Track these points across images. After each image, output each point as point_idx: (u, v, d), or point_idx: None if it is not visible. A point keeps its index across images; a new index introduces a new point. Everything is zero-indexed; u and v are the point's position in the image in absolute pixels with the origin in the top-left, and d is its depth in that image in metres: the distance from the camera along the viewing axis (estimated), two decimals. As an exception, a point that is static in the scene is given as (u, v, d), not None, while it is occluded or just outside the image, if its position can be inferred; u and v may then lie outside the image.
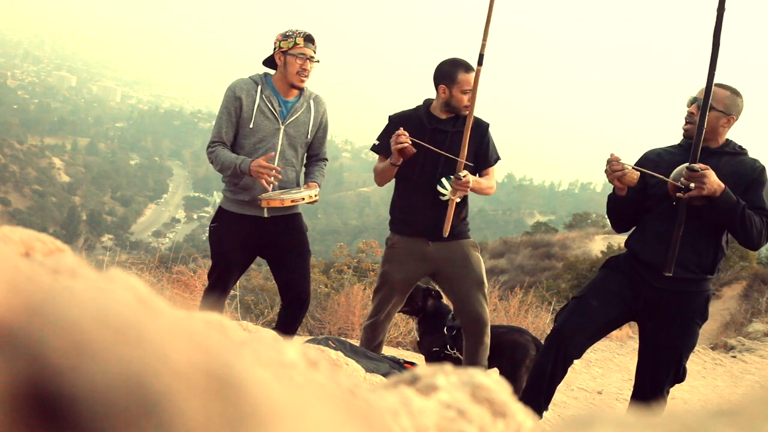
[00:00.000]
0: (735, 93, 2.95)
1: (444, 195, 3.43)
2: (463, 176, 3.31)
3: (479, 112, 3.53)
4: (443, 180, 3.43)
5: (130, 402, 0.24)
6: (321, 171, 3.59)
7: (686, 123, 3.00)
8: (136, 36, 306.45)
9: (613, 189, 3.04)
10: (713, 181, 2.76)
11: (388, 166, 3.42)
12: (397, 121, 3.53)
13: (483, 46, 3.26)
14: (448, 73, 3.45)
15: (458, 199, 3.43)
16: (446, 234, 3.41)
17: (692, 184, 2.75)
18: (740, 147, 3.01)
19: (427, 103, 3.58)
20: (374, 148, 3.59)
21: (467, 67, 3.45)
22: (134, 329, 0.27)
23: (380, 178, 3.54)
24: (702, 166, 2.77)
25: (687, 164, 2.82)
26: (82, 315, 0.26)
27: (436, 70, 3.52)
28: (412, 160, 3.39)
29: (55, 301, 0.27)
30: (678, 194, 2.80)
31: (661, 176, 2.86)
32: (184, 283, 6.02)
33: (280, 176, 3.32)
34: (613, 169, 2.91)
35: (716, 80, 2.85)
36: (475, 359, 3.57)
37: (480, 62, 3.28)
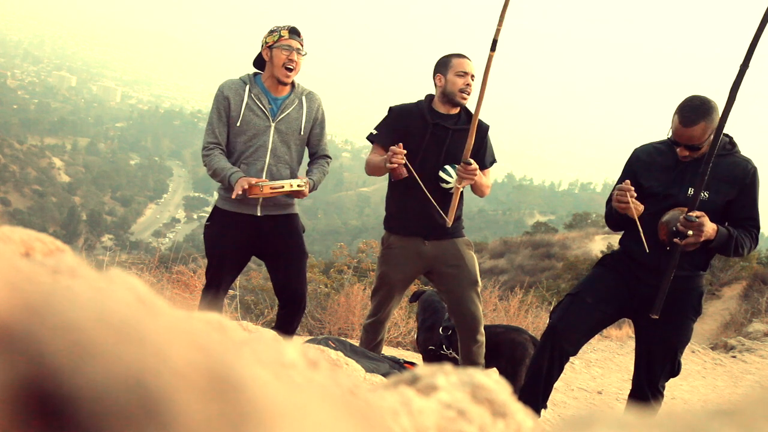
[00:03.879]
0: (710, 110, 2.86)
1: (448, 183, 3.39)
2: (471, 163, 3.28)
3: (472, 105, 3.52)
4: (446, 167, 3.39)
5: (130, 402, 0.24)
6: (320, 168, 3.55)
7: (681, 156, 2.97)
8: (136, 36, 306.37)
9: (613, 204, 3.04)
10: (710, 227, 2.81)
11: (382, 167, 3.40)
12: (397, 113, 3.51)
13: (497, 31, 3.20)
14: (442, 62, 3.50)
15: (462, 188, 3.40)
16: (450, 224, 3.39)
17: (690, 232, 2.79)
18: (729, 141, 2.99)
19: (429, 98, 3.55)
20: (370, 137, 3.55)
21: (461, 55, 3.51)
22: (134, 329, 0.27)
23: (371, 171, 3.53)
24: (699, 213, 2.80)
25: (680, 211, 2.86)
26: (82, 315, 0.26)
27: (434, 68, 3.54)
28: (410, 158, 3.36)
29: (55, 301, 0.27)
30: (675, 240, 2.83)
31: (643, 236, 2.92)
32: (184, 283, 6.01)
33: (254, 189, 3.26)
34: (619, 200, 2.93)
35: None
36: (471, 357, 3.57)
37: (493, 48, 3.22)
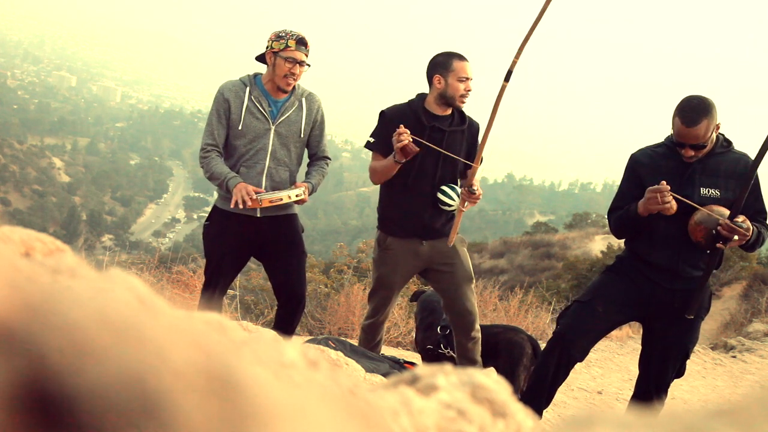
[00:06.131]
0: (710, 107, 2.86)
1: (451, 206, 3.39)
2: (476, 189, 3.28)
3: (476, 112, 3.52)
4: (445, 189, 3.39)
5: (130, 402, 0.24)
6: (319, 170, 3.55)
7: (686, 157, 2.97)
8: (136, 36, 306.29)
9: (637, 208, 2.98)
10: (752, 229, 2.86)
11: (391, 164, 3.33)
12: (391, 116, 3.44)
13: (513, 63, 3.12)
14: (442, 62, 3.40)
15: (465, 209, 3.39)
16: (451, 243, 3.40)
17: (735, 237, 2.82)
18: (725, 140, 3.01)
19: (421, 97, 3.49)
20: (369, 146, 3.50)
21: (461, 57, 3.42)
22: (134, 329, 0.27)
23: (379, 177, 3.45)
24: (742, 218, 2.84)
25: (709, 210, 2.86)
26: (82, 315, 0.26)
27: (429, 64, 3.45)
28: (410, 160, 3.33)
29: (55, 301, 0.27)
30: (719, 245, 2.86)
31: (697, 206, 2.90)
32: (184, 283, 6.02)
33: (252, 203, 3.25)
34: (665, 200, 2.87)
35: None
36: (467, 354, 3.57)
37: (507, 78, 3.14)
